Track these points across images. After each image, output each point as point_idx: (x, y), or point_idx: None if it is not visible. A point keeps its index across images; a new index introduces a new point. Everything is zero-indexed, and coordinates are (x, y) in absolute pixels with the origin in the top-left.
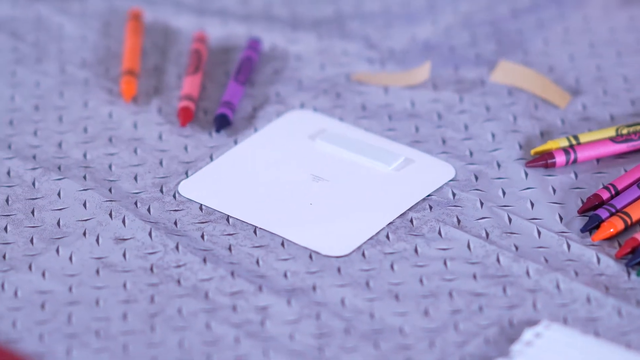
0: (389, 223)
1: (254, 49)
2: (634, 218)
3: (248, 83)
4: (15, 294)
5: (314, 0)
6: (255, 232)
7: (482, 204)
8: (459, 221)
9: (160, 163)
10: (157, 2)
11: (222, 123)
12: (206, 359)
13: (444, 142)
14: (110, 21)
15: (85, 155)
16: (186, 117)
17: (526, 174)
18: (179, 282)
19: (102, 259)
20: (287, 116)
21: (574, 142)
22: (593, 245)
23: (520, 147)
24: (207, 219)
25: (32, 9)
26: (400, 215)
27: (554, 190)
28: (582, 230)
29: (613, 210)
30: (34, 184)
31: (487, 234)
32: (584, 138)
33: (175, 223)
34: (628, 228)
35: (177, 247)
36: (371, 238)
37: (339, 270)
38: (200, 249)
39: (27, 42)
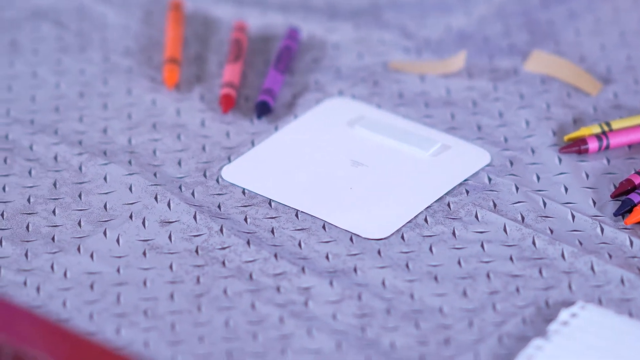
0: (427, 207)
1: (293, 38)
2: None
3: (287, 71)
4: (65, 274)
5: None
6: (297, 215)
7: (517, 188)
8: (495, 205)
9: (203, 148)
10: None
11: (263, 110)
12: (252, 338)
13: (479, 128)
14: (152, 10)
15: (130, 141)
16: (228, 104)
17: (560, 160)
18: (223, 263)
19: (149, 241)
20: (326, 103)
21: (606, 128)
22: (626, 228)
23: (554, 133)
24: (249, 202)
25: None
26: (438, 199)
27: (587, 176)
28: (615, 214)
29: None
30: (80, 168)
31: (523, 218)
32: (615, 125)
33: (219, 206)
34: None
35: (221, 230)
36: (410, 221)
37: (379, 252)
38: (243, 231)
39: (71, 31)
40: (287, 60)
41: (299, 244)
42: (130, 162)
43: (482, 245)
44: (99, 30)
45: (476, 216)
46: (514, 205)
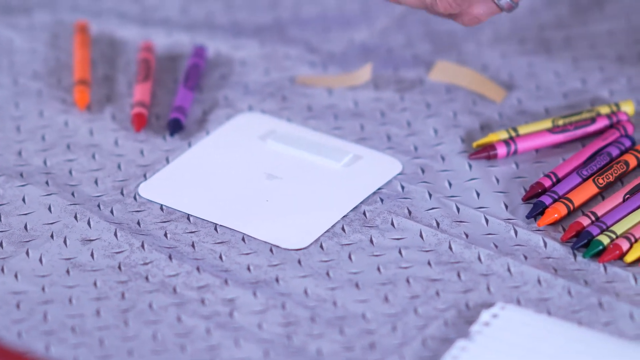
0: (344, 216)
1: (199, 56)
2: (576, 203)
3: (196, 89)
4: None
5: (253, 8)
6: (216, 229)
7: (430, 195)
8: (409, 212)
9: (119, 167)
10: (102, 14)
11: (176, 127)
12: (180, 350)
13: (389, 138)
14: (58, 33)
15: (45, 162)
16: (140, 122)
17: (470, 166)
18: (147, 278)
19: (71, 260)
20: (237, 119)
21: (513, 134)
22: (539, 230)
23: (462, 140)
24: (168, 218)
25: None
26: (354, 208)
27: (497, 180)
28: (528, 217)
29: (556, 197)
30: None
31: (438, 224)
32: (522, 130)
33: (139, 223)
34: (571, 213)
35: (142, 246)
36: (327, 231)
37: (299, 262)
38: (164, 246)
39: None
40: (195, 77)
41: (220, 257)
42: (47, 183)
43: (400, 252)
44: (6, 55)
45: (392, 223)
46: (429, 211)
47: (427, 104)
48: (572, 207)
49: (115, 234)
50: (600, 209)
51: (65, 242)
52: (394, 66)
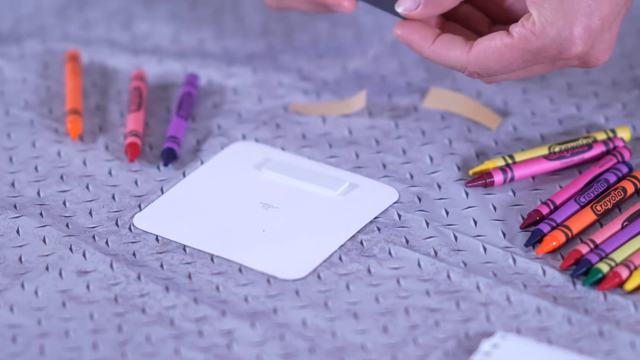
0: (341, 246)
1: (192, 85)
2: (574, 231)
3: (190, 118)
4: None
5: (244, 35)
6: (212, 259)
7: (427, 223)
8: (407, 241)
9: (113, 197)
10: (93, 43)
11: (170, 157)
12: None
13: (384, 166)
14: (49, 63)
15: (39, 193)
16: (134, 152)
17: (467, 194)
18: (144, 310)
19: (67, 292)
20: (232, 148)
21: (509, 161)
22: (537, 258)
23: (459, 168)
24: (164, 249)
25: None
26: (351, 237)
27: (495, 208)
28: (526, 245)
29: (554, 225)
30: None
31: (436, 252)
32: (519, 157)
33: (134, 254)
34: (569, 240)
35: (138, 277)
36: (325, 261)
37: (297, 292)
38: (161, 278)
39: None
40: (188, 106)
41: (217, 288)
42: (41, 214)
43: (398, 281)
44: None
45: (390, 253)
46: (426, 240)
47: (422, 131)
48: (570, 235)
49: (111, 266)
50: (599, 237)
51: (60, 274)
52: (388, 93)
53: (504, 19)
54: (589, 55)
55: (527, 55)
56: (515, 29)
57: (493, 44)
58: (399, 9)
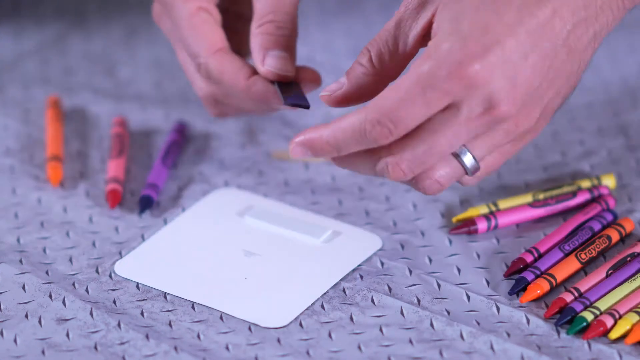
0: (323, 294)
1: (180, 132)
2: (559, 279)
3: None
4: None
5: None
6: (193, 307)
7: (410, 271)
8: (390, 289)
9: (94, 244)
10: (74, 90)
11: (146, 204)
12: None
13: (367, 213)
14: (29, 108)
15: (18, 240)
16: (115, 199)
17: (450, 241)
18: (123, 358)
19: (46, 340)
20: (214, 194)
21: (493, 208)
22: (521, 306)
23: (442, 215)
24: (145, 296)
25: None
26: (333, 285)
27: (478, 256)
28: (510, 293)
29: (538, 272)
30: None
31: (419, 300)
32: (503, 204)
33: (115, 302)
34: (554, 289)
35: (118, 325)
36: (307, 309)
37: (278, 340)
38: (141, 325)
39: None
40: (174, 154)
41: (198, 336)
42: (21, 261)
43: (380, 329)
44: None
45: (372, 300)
46: (409, 288)
47: None
48: (554, 283)
49: (91, 313)
50: (584, 285)
51: (40, 321)
52: None
53: None
54: (518, 117)
55: (423, 80)
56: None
57: (391, 85)
58: (323, 93)
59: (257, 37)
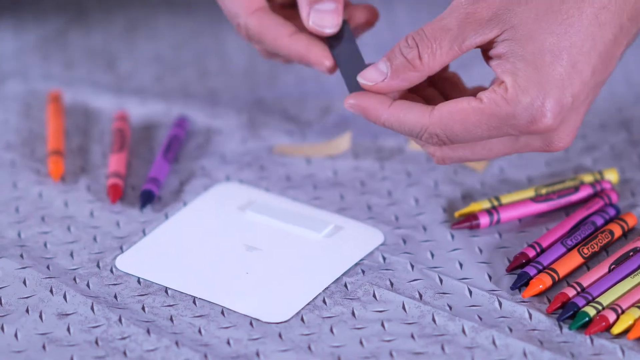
0: (325, 288)
1: (181, 127)
2: (561, 274)
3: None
4: None
5: (229, 77)
6: (194, 302)
7: (412, 266)
8: (392, 284)
9: (95, 239)
10: (75, 84)
11: (147, 199)
12: None
13: (369, 208)
14: (31, 103)
15: (19, 235)
16: (116, 194)
17: (452, 236)
18: (125, 353)
19: (47, 335)
20: (215, 189)
21: (496, 203)
22: (523, 301)
23: (444, 210)
24: (146, 291)
25: None
26: (335, 280)
27: (481, 251)
28: (512, 288)
29: (540, 267)
30: None
31: (421, 295)
32: (505, 199)
33: (116, 296)
34: (556, 284)
35: (119, 320)
36: (309, 303)
37: (280, 335)
38: (142, 320)
39: None
40: (175, 149)
41: (199, 331)
42: (22, 256)
43: (382, 324)
44: None
45: (374, 295)
46: (411, 283)
47: (407, 173)
48: (557, 278)
49: (92, 308)
50: (586, 280)
51: (41, 316)
52: (374, 135)
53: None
54: (554, 133)
55: (494, 121)
56: (484, 94)
57: (459, 105)
58: (361, 80)
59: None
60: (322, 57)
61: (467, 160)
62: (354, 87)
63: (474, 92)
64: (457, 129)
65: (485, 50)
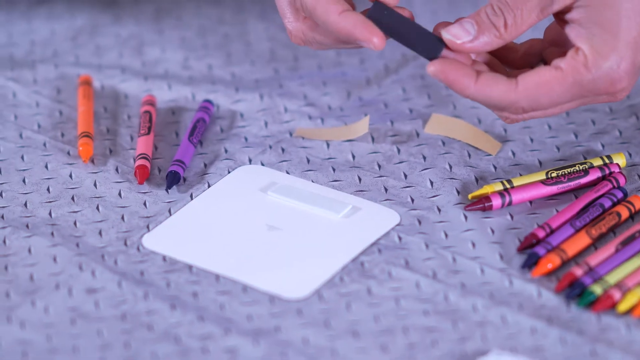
0: (343, 267)
1: (206, 111)
2: (570, 254)
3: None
4: None
5: (252, 62)
6: (217, 279)
7: (427, 246)
8: (407, 263)
9: (122, 218)
10: (104, 69)
11: (173, 180)
12: None
13: (386, 190)
14: (61, 87)
15: (50, 214)
16: (143, 175)
17: (465, 217)
18: (150, 327)
19: (76, 309)
20: (238, 171)
21: (508, 186)
22: (533, 280)
23: (458, 192)
24: (171, 268)
25: None
26: (352, 259)
27: (493, 231)
28: (522, 267)
29: (549, 247)
30: (4, 241)
31: (435, 274)
32: (517, 182)
33: (142, 273)
34: (564, 263)
35: (145, 296)
36: (327, 281)
37: (299, 311)
38: (167, 296)
39: None
40: (200, 132)
41: (222, 307)
42: (52, 234)
43: (397, 301)
44: (11, 109)
45: (390, 274)
46: (425, 262)
47: (423, 157)
48: (565, 258)
49: (119, 284)
50: (593, 259)
51: (70, 292)
52: (391, 119)
53: (518, 65)
54: (624, 91)
55: (576, 88)
56: (563, 62)
57: (543, 78)
58: (447, 35)
59: None
60: (370, 34)
61: (538, 117)
62: (428, 54)
63: (527, 50)
64: (543, 100)
65: (560, 13)
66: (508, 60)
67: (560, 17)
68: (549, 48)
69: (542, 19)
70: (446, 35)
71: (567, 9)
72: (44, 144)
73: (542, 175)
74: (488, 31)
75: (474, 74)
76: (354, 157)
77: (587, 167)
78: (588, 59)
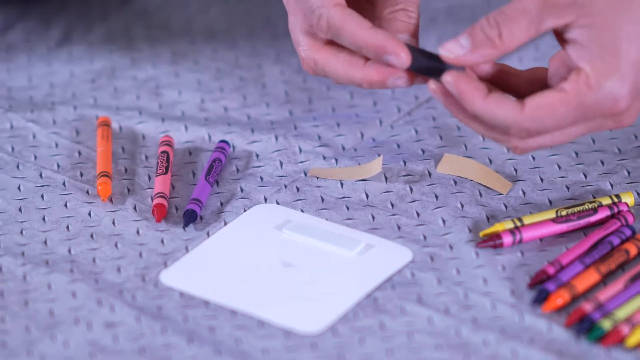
0: (356, 303)
1: (223, 151)
2: (579, 289)
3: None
4: None
5: (267, 104)
6: (234, 314)
7: (439, 281)
8: (419, 298)
9: (140, 255)
10: (122, 110)
11: (190, 218)
12: None
13: (399, 228)
14: (80, 129)
15: (69, 251)
16: (161, 213)
17: (477, 254)
18: None
19: (95, 344)
20: (254, 209)
21: (518, 224)
22: (543, 315)
23: (470, 230)
24: (188, 303)
25: (4, 119)
26: (366, 295)
27: (504, 268)
28: (533, 302)
29: (560, 283)
30: (25, 278)
31: (447, 309)
32: (527, 220)
33: (159, 308)
34: (574, 299)
35: (163, 330)
36: (341, 316)
37: (313, 346)
38: (184, 330)
39: (4, 150)
40: (217, 172)
41: (238, 341)
42: (72, 271)
43: (410, 336)
44: (31, 149)
45: (403, 309)
46: (438, 297)
47: (435, 195)
48: (575, 293)
49: (137, 319)
50: (603, 295)
51: (89, 327)
52: (404, 159)
53: (523, 92)
54: (627, 112)
55: (579, 109)
56: (566, 84)
57: (547, 99)
58: (443, 51)
59: (391, 22)
60: (399, 49)
61: (546, 147)
62: (435, 73)
63: (530, 76)
64: (547, 121)
65: (560, 33)
66: (511, 86)
67: (562, 37)
68: (554, 76)
69: (540, 33)
70: (441, 50)
71: (567, 27)
72: (64, 183)
73: (552, 214)
74: (482, 43)
75: (485, 90)
76: (367, 196)
77: (596, 205)
78: (590, 79)
